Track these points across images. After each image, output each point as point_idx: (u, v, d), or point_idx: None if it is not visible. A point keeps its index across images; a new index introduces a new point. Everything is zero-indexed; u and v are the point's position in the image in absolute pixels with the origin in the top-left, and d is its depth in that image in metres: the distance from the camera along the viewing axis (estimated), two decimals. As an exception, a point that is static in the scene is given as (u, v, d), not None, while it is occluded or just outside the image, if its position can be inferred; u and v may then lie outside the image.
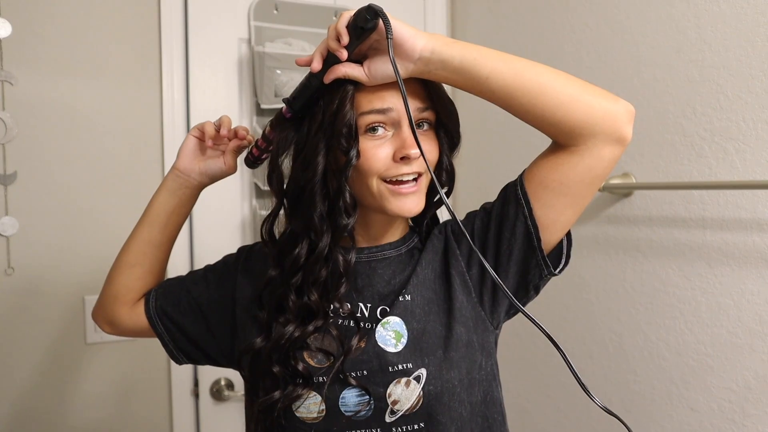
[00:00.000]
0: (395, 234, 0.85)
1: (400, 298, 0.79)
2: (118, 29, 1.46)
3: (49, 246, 1.40)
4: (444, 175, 0.83)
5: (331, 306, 0.79)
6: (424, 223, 0.88)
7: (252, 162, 0.88)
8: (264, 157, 0.86)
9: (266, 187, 0.83)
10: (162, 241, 0.91)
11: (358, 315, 0.79)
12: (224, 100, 1.58)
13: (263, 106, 1.56)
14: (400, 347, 0.76)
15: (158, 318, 0.90)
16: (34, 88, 1.38)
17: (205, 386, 1.55)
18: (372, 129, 0.74)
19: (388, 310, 0.79)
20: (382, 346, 0.76)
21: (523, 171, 0.80)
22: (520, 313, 0.87)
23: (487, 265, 0.67)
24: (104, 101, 1.45)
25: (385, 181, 0.75)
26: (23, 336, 1.39)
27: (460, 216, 0.91)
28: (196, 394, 1.55)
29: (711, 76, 1.12)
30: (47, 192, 1.40)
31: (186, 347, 0.91)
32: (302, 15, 1.62)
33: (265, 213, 1.59)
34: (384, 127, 0.74)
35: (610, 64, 1.32)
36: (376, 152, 0.73)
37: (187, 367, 1.54)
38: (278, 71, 1.53)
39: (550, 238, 0.77)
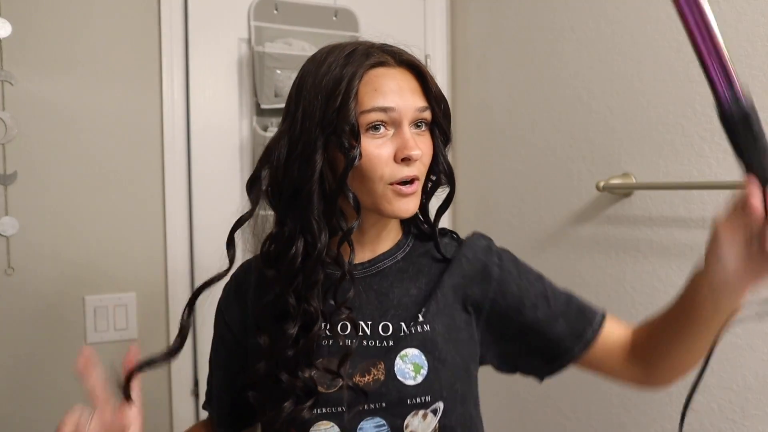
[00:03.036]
0: (389, 240, 0.82)
1: (419, 329, 0.77)
2: (118, 29, 1.46)
3: (49, 246, 1.40)
4: (443, 175, 0.82)
5: (337, 327, 0.77)
6: (416, 223, 0.86)
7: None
8: None
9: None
10: None
11: (360, 333, 0.77)
12: (224, 100, 1.58)
13: (263, 106, 1.56)
14: (419, 379, 0.74)
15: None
16: (34, 88, 1.38)
17: (205, 386, 1.55)
18: (374, 128, 0.72)
19: (391, 326, 0.77)
20: (401, 379, 0.74)
21: (597, 332, 0.80)
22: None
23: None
24: (104, 101, 1.45)
25: (390, 184, 0.73)
26: (23, 336, 1.39)
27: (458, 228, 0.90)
28: (196, 394, 1.55)
29: (711, 76, 1.12)
30: (47, 192, 1.40)
31: None
32: (302, 15, 1.62)
33: (264, 212, 1.60)
34: (385, 126, 0.73)
35: (610, 64, 1.31)
36: (379, 152, 0.72)
37: (187, 367, 1.54)
38: (278, 71, 1.54)
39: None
